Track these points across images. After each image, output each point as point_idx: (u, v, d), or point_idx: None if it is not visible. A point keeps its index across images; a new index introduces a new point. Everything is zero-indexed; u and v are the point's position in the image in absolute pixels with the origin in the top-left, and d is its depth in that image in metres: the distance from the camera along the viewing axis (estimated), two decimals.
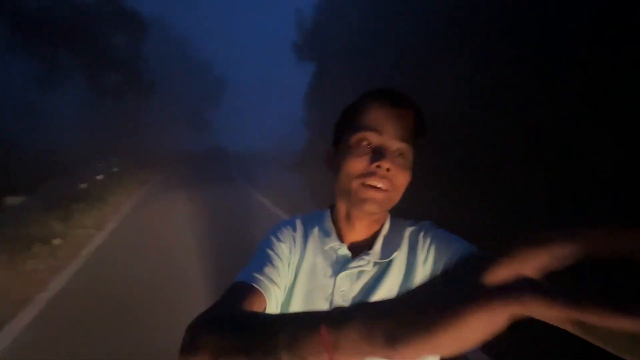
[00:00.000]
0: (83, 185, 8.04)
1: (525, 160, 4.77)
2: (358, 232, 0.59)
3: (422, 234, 0.59)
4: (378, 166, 0.52)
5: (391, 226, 0.61)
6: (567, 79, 4.37)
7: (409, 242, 0.59)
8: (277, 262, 0.56)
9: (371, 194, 0.53)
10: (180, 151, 22.05)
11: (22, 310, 2.79)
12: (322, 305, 0.55)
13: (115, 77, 11.10)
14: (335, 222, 0.61)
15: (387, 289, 0.55)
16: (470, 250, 0.54)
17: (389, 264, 0.57)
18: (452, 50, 6.64)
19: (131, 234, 5.36)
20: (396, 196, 0.56)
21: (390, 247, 0.58)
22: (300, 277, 0.58)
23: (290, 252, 0.59)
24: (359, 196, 0.54)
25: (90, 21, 9.90)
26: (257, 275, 0.51)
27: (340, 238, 0.59)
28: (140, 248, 4.56)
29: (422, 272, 0.56)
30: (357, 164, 0.54)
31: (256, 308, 0.48)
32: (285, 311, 0.56)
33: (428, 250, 0.57)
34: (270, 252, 0.57)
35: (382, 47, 9.39)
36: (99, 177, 9.43)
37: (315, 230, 0.61)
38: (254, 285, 0.50)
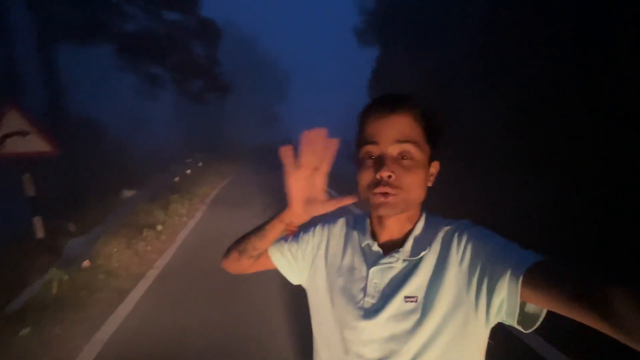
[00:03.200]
0: (176, 179, 9.35)
1: None
2: (390, 231, 0.64)
3: (457, 233, 0.60)
4: (380, 176, 0.57)
5: (425, 225, 0.64)
6: None
7: (442, 241, 0.61)
8: (297, 244, 0.75)
9: (382, 200, 0.58)
10: (253, 144, 23.82)
11: (139, 283, 3.49)
12: (358, 294, 0.63)
13: (198, 84, 12.51)
14: (371, 222, 0.68)
15: (416, 285, 0.59)
16: (508, 247, 0.55)
17: (418, 261, 0.60)
18: (527, 31, 5.92)
19: (215, 219, 6.15)
20: (411, 195, 0.59)
21: (420, 246, 0.61)
22: (341, 271, 0.67)
23: (312, 242, 0.74)
24: (373, 203, 0.59)
25: (177, 36, 11.30)
26: (274, 245, 0.76)
27: (375, 236, 0.66)
28: (223, 230, 5.20)
29: (457, 271, 0.57)
30: (365, 177, 0.60)
31: (263, 261, 0.76)
32: (327, 290, 0.68)
33: (464, 250, 0.57)
34: (300, 240, 0.75)
35: (446, 25, 8.70)
36: (188, 171, 10.83)
37: (357, 229, 0.70)
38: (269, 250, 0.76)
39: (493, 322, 0.56)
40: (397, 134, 0.58)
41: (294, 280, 0.76)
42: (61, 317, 2.79)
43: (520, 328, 0.53)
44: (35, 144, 3.66)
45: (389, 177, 0.57)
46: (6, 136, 3.60)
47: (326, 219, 0.76)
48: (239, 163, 15.31)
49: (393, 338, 0.59)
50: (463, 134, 7.42)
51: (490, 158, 6.67)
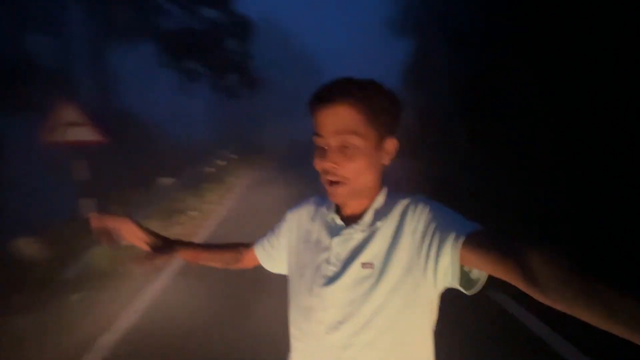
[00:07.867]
0: (210, 169, 9.81)
1: None
2: (351, 207, 0.69)
3: (412, 206, 0.64)
4: (323, 168, 0.64)
5: (385, 200, 0.68)
6: None
7: (399, 213, 0.65)
8: (274, 235, 0.86)
9: (331, 189, 0.64)
10: (287, 139, 24.22)
11: (174, 262, 3.77)
12: (323, 264, 0.68)
13: (231, 78, 12.96)
14: None
15: (372, 252, 0.64)
16: (455, 217, 0.60)
17: (375, 231, 0.65)
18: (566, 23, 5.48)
19: (245, 207, 6.44)
20: (357, 183, 0.64)
21: (378, 218, 0.66)
22: (310, 245, 0.73)
23: (285, 228, 0.82)
24: (326, 190, 0.66)
25: (213, 32, 11.77)
26: (258, 242, 0.91)
27: (339, 211, 0.71)
28: (252, 217, 5.42)
29: (411, 239, 0.61)
30: (316, 165, 0.65)
31: (246, 256, 0.94)
32: (298, 266, 0.74)
33: (418, 220, 0.62)
34: (275, 229, 0.86)
35: (479, 12, 8.26)
36: (222, 163, 11.31)
37: (324, 205, 0.76)
38: (253, 247, 0.91)
39: (441, 285, 0.61)
40: (336, 125, 0.60)
41: (275, 269, 0.87)
42: (104, 286, 3.13)
43: (462, 290, 0.59)
44: (89, 134, 4.07)
45: (332, 167, 0.62)
46: (67, 125, 4.04)
47: (298, 202, 0.82)
48: (272, 156, 15.69)
49: (351, 302, 0.63)
50: (511, 131, 7.05)
51: (533, 152, 6.32)
